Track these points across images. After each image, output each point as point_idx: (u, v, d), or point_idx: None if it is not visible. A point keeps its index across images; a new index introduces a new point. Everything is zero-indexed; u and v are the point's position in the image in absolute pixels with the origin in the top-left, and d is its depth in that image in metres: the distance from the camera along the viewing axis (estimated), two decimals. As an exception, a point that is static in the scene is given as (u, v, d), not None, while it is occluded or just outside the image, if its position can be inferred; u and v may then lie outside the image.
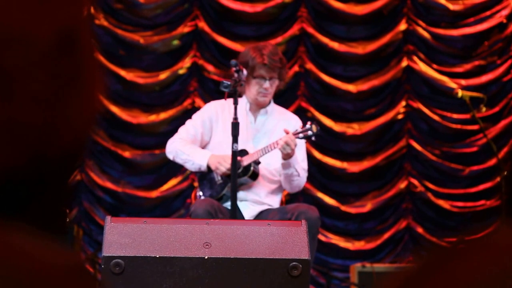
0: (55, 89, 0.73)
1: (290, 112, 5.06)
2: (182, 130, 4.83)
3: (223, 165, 4.60)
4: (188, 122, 4.86)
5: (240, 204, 4.61)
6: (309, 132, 4.62)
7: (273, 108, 4.89)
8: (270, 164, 4.75)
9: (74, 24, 0.75)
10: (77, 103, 0.75)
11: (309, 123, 4.68)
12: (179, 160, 4.82)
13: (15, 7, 0.71)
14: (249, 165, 4.67)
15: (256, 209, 4.70)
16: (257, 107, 4.83)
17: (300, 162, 4.73)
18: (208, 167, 4.67)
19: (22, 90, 0.71)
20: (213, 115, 4.80)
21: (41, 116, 0.72)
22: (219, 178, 4.68)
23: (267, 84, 4.71)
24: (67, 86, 0.74)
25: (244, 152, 4.69)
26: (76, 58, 0.75)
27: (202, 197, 4.71)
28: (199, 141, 4.79)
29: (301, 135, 4.61)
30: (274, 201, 4.80)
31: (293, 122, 4.83)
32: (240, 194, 4.62)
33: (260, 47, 4.75)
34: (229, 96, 4.59)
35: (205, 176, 4.75)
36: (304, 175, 4.77)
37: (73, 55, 0.75)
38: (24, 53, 0.71)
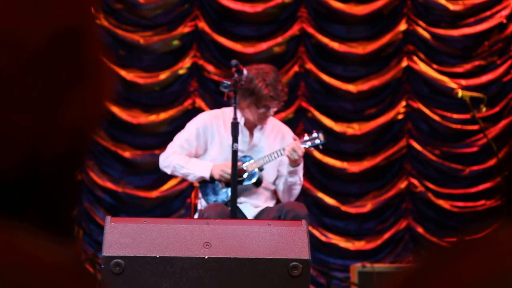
0: (49, 91, 0.72)
1: (281, 123, 5.07)
2: (175, 144, 4.80)
3: (227, 172, 4.61)
4: (181, 134, 4.83)
5: (241, 206, 4.66)
6: (317, 141, 4.73)
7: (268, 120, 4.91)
8: (267, 179, 4.82)
9: (75, 25, 0.74)
10: (78, 105, 0.74)
11: (315, 131, 4.79)
12: (178, 174, 4.83)
13: (3, 10, 0.70)
14: (254, 172, 4.72)
15: (256, 210, 4.75)
16: (254, 123, 4.84)
17: (301, 170, 4.83)
18: (211, 177, 4.68)
19: (10, 93, 0.70)
20: (208, 127, 4.78)
21: (31, 118, 0.71)
22: (223, 184, 4.69)
23: (271, 112, 4.77)
24: (65, 88, 0.73)
25: (248, 159, 4.72)
26: (78, 60, 0.74)
27: (205, 204, 4.72)
28: (193, 154, 4.79)
29: (308, 143, 4.72)
30: (271, 205, 4.85)
31: (287, 137, 4.85)
32: (242, 198, 4.70)
33: (263, 74, 4.70)
34: (228, 97, 4.61)
35: (207, 183, 4.75)
36: (301, 183, 4.87)
37: (74, 57, 0.74)
38: (13, 56, 0.70)
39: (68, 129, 0.73)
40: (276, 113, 6.84)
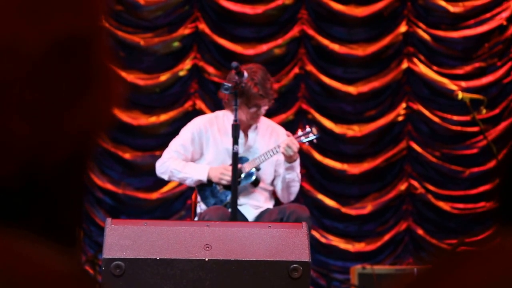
0: (50, 98, 0.72)
1: (275, 123, 5.09)
2: (171, 149, 4.80)
3: (226, 174, 4.62)
4: (176, 140, 4.82)
5: (241, 208, 4.66)
6: (311, 135, 4.75)
7: (261, 121, 4.91)
8: (264, 180, 4.83)
9: (81, 32, 0.74)
10: (84, 111, 0.74)
11: (309, 126, 4.83)
12: (175, 179, 4.84)
13: (3, 18, 0.70)
14: (251, 172, 4.73)
15: (256, 212, 4.76)
16: (248, 124, 4.83)
17: (297, 167, 4.84)
18: (209, 180, 4.69)
19: (10, 100, 0.70)
20: (203, 131, 4.78)
21: (31, 125, 0.70)
22: (221, 186, 4.70)
23: (262, 110, 4.76)
24: (70, 95, 0.73)
25: (244, 159, 4.72)
26: (84, 66, 0.74)
27: (204, 207, 4.72)
28: (189, 159, 4.79)
29: (303, 138, 4.74)
30: (271, 205, 4.86)
31: (281, 136, 4.84)
32: (241, 200, 4.69)
33: (251, 73, 4.68)
34: (229, 98, 4.62)
35: (205, 186, 4.75)
36: (299, 180, 4.87)
37: (80, 63, 0.74)
38: (12, 63, 0.70)
39: (71, 135, 0.73)
40: (276, 114, 6.88)
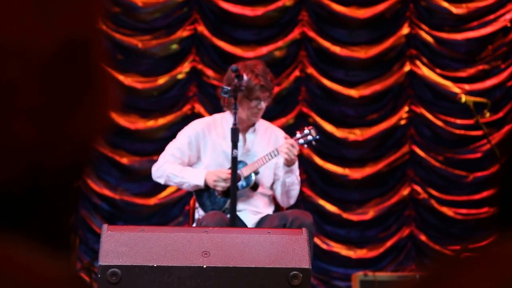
0: (55, 102, 0.72)
1: (274, 126, 5.05)
2: (167, 153, 4.77)
3: (220, 184, 4.60)
4: (172, 144, 4.80)
5: (240, 214, 4.64)
6: (309, 137, 4.74)
7: (259, 123, 4.88)
8: (263, 184, 4.79)
9: (82, 35, 0.74)
10: (84, 116, 0.74)
11: (307, 128, 4.79)
12: (172, 184, 4.84)
13: (14, 20, 0.70)
14: (250, 176, 4.69)
15: (256, 218, 4.72)
16: (247, 125, 4.79)
17: (296, 169, 4.81)
18: (206, 185, 4.64)
19: (18, 103, 0.70)
20: (200, 135, 4.76)
21: (37, 129, 0.70)
22: (219, 192, 4.67)
23: (262, 104, 4.73)
24: (72, 99, 0.73)
25: (242, 163, 4.67)
26: (84, 70, 0.74)
27: (202, 213, 4.67)
28: (186, 163, 4.76)
29: (301, 140, 4.71)
30: (270, 211, 4.82)
31: (280, 138, 4.82)
32: (240, 206, 4.66)
33: (250, 66, 4.69)
34: (229, 102, 4.58)
35: (203, 192, 4.70)
36: (299, 183, 4.84)
37: (81, 67, 0.74)
38: (21, 66, 0.70)
39: (73, 140, 0.73)
40: (276, 118, 6.83)
